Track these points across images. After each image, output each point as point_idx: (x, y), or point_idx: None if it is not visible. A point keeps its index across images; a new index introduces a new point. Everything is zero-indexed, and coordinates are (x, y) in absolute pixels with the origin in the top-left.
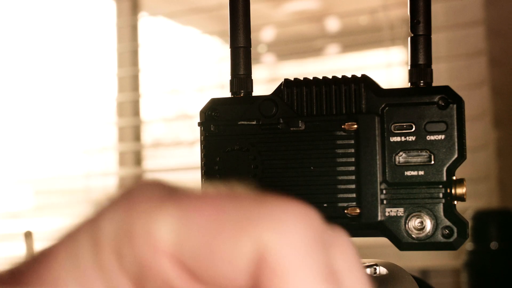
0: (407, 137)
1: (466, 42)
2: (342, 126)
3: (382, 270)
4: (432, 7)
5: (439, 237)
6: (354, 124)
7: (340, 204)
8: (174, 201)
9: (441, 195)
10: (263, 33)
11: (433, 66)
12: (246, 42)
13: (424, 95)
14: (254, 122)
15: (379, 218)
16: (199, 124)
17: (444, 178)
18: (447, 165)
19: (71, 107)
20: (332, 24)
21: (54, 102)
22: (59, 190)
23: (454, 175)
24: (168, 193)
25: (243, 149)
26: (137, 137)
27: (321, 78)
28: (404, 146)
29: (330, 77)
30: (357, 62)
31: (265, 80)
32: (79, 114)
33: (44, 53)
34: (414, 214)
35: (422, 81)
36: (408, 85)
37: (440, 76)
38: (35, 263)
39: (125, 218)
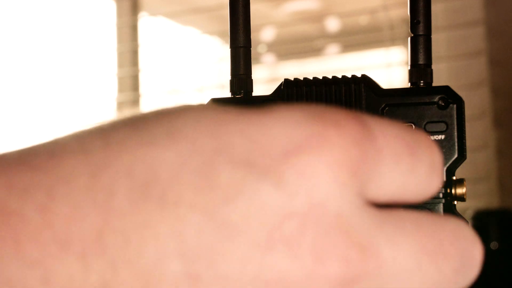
0: None
1: (466, 42)
2: None
3: None
4: (432, 7)
5: None
6: None
7: None
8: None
9: (441, 195)
10: (263, 33)
11: (433, 66)
12: (246, 42)
13: (424, 95)
14: None
15: None
16: None
17: (444, 178)
18: (447, 165)
19: (71, 107)
20: (332, 24)
21: (54, 102)
22: None
23: (454, 175)
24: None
25: None
26: None
27: (321, 78)
28: None
29: (330, 77)
30: (357, 62)
31: (265, 80)
32: (79, 114)
33: (45, 53)
34: None
35: (422, 81)
36: (408, 85)
37: (440, 76)
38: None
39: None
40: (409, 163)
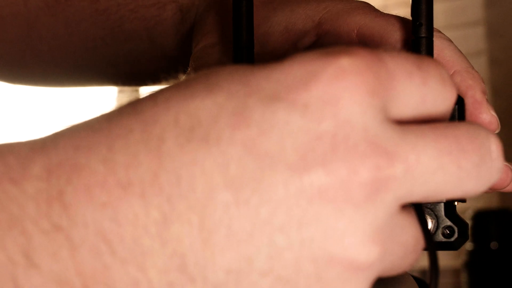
0: None
1: (466, 42)
2: None
3: None
4: None
5: (440, 237)
6: None
7: None
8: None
9: None
10: None
11: None
12: (249, 43)
13: None
14: None
15: None
16: None
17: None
18: None
19: (72, 107)
20: None
21: (54, 102)
22: None
23: None
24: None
25: None
26: None
27: None
28: None
29: None
30: None
31: None
32: (79, 114)
33: None
34: None
35: None
36: None
37: None
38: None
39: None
40: (420, 77)
